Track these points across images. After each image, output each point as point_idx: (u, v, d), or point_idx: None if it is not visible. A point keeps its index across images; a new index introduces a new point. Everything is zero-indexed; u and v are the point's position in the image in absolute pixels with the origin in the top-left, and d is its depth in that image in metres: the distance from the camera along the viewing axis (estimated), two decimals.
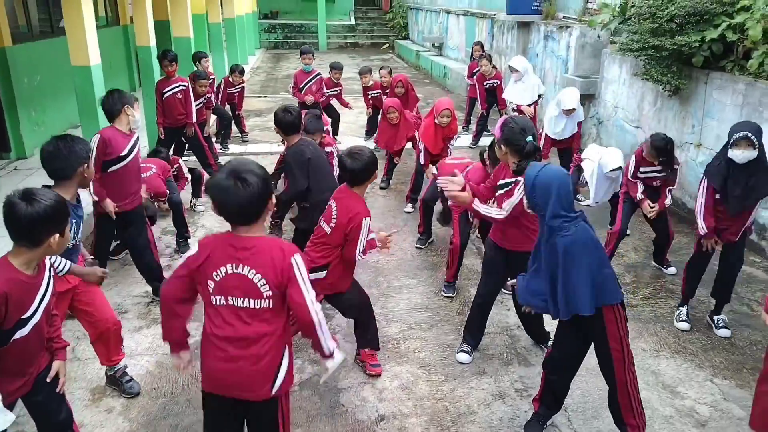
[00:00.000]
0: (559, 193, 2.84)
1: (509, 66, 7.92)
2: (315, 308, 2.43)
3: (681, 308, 4.51)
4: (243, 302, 2.37)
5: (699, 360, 4.07)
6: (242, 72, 9.30)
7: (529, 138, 3.43)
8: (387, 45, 24.07)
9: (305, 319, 2.43)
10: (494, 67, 8.96)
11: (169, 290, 2.50)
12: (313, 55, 8.82)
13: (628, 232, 5.84)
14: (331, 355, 2.57)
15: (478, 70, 9.02)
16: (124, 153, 4.27)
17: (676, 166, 4.96)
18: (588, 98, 8.41)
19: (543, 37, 10.20)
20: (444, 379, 3.85)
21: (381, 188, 7.38)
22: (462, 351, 4.04)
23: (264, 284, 2.36)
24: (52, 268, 2.61)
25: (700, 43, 5.94)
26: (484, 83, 8.95)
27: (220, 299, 2.39)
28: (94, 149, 4.08)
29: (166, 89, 6.95)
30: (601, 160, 5.19)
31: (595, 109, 8.48)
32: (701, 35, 5.93)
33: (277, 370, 2.46)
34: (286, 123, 4.49)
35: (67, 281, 3.27)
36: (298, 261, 2.40)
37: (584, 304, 2.85)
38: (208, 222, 6.31)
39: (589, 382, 3.78)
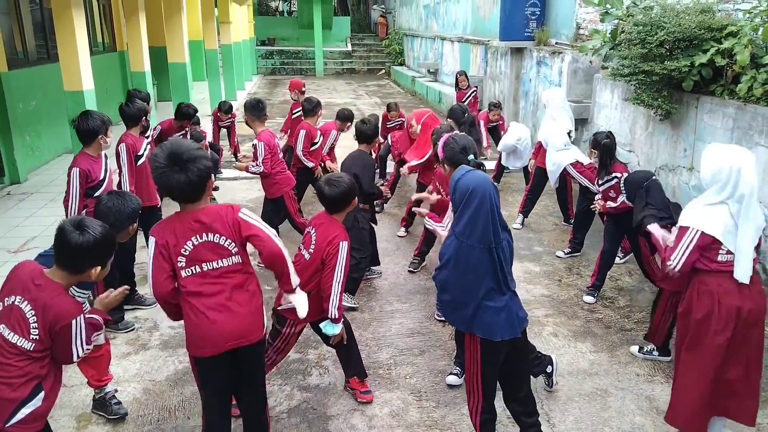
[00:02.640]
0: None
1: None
2: (278, 241, 2.79)
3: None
4: (218, 263, 2.68)
5: None
6: (229, 109, 9.09)
7: (471, 156, 3.45)
8: (383, 71, 24.33)
9: (273, 250, 2.75)
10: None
11: (162, 288, 2.68)
12: None
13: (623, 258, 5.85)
14: (294, 290, 2.97)
15: (466, 101, 8.99)
16: (102, 177, 4.35)
17: (615, 174, 4.94)
18: (581, 123, 8.46)
19: (536, 63, 10.30)
20: (435, 405, 3.79)
21: (376, 212, 7.36)
22: (452, 373, 3.99)
23: (229, 243, 2.67)
24: None
25: (689, 67, 5.99)
26: (489, 125, 8.80)
27: (194, 269, 2.66)
28: (77, 181, 4.20)
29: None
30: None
31: (588, 134, 8.53)
32: (690, 60, 5.98)
33: (261, 308, 2.84)
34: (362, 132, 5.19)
35: None
36: (245, 212, 2.74)
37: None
38: None
39: (582, 408, 3.74)
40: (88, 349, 2.61)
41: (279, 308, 3.53)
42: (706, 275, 3.07)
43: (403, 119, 8.19)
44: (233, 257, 2.70)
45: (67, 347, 2.51)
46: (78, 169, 4.21)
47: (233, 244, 2.68)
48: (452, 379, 3.97)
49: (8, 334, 2.42)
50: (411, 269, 5.76)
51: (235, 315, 2.71)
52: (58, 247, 2.51)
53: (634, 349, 4.36)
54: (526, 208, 6.89)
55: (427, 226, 3.82)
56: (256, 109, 5.55)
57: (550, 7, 10.77)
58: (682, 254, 3.05)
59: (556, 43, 10.27)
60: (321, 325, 3.51)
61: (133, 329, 4.62)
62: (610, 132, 5.11)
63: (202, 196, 2.66)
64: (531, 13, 10.67)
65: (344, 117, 6.82)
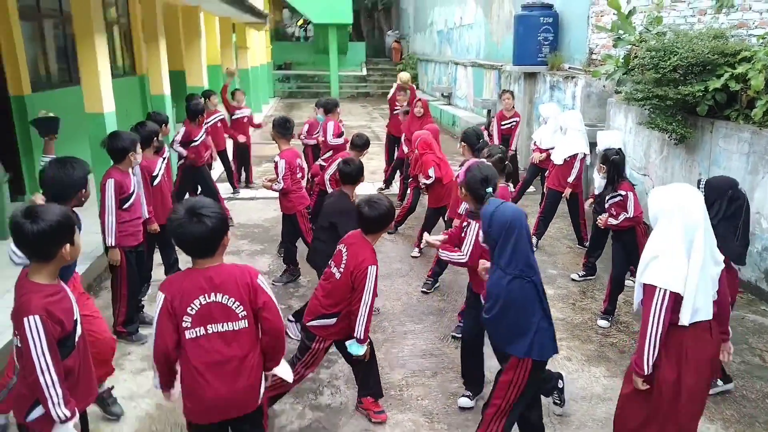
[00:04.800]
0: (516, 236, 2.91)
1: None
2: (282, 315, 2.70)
3: None
4: (223, 326, 2.55)
5: (709, 412, 3.96)
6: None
7: (489, 189, 3.49)
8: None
9: (279, 326, 2.66)
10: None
11: (162, 343, 2.56)
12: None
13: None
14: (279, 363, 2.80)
15: (506, 125, 8.85)
16: (131, 190, 4.52)
17: (621, 192, 4.96)
18: (595, 146, 8.46)
19: (549, 87, 10.36)
20: (447, 428, 3.77)
21: (389, 233, 7.40)
22: (464, 396, 3.98)
23: (238, 306, 2.55)
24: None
25: (703, 92, 6.01)
26: (502, 122, 8.77)
27: (198, 330, 2.53)
28: (112, 193, 4.34)
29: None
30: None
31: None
32: (704, 85, 6.00)
33: (260, 380, 2.70)
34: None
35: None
36: (262, 279, 2.62)
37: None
38: None
39: (585, 413, 3.70)
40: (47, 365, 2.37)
41: (308, 324, 3.58)
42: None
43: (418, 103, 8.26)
44: (240, 322, 2.57)
45: (27, 352, 2.35)
46: (113, 180, 4.37)
47: (242, 308, 2.56)
48: (464, 402, 3.95)
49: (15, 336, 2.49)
50: (424, 290, 5.76)
51: (233, 387, 2.58)
52: (18, 241, 2.46)
53: None
54: (539, 231, 6.88)
55: (441, 257, 3.84)
56: (283, 127, 5.79)
57: (563, 33, 10.86)
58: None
59: (569, 68, 10.33)
60: (347, 344, 3.53)
61: (146, 342, 4.67)
62: (620, 149, 5.13)
63: (216, 253, 2.55)
64: (544, 39, 10.76)
65: (360, 145, 6.46)
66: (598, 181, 6.18)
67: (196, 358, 2.55)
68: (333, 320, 3.55)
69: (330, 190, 6.27)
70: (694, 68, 6.11)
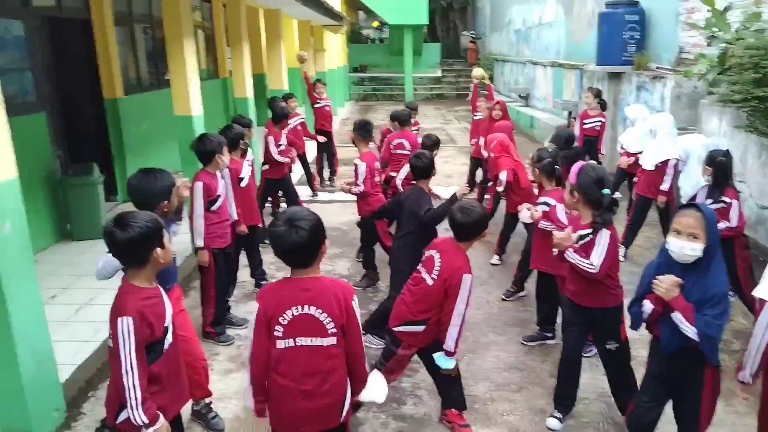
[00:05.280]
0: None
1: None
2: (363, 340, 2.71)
3: None
4: (312, 341, 2.53)
5: None
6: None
7: (606, 190, 3.32)
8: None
9: (359, 352, 2.65)
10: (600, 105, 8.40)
11: (259, 353, 2.57)
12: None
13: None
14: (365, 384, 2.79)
15: (590, 124, 8.43)
16: (219, 192, 4.61)
17: (725, 198, 4.68)
18: None
19: (635, 88, 9.94)
20: None
21: None
22: (552, 416, 3.82)
23: (329, 322, 2.52)
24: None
25: None
26: (585, 122, 8.39)
27: (288, 342, 2.54)
28: (200, 193, 4.45)
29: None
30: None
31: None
32: None
33: (345, 397, 2.66)
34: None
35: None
36: (355, 302, 2.61)
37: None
38: None
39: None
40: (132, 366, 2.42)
41: (395, 329, 3.54)
42: None
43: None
44: (329, 338, 2.54)
45: (116, 352, 2.42)
46: (201, 183, 4.47)
47: (332, 324, 2.53)
48: (554, 423, 3.79)
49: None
50: (504, 297, 5.67)
51: (316, 402, 2.58)
52: (111, 248, 2.53)
53: None
54: (627, 240, 6.59)
55: (569, 259, 3.52)
56: (363, 130, 5.82)
57: (650, 31, 10.41)
58: None
59: (657, 68, 9.88)
60: (435, 356, 3.46)
61: (233, 343, 4.76)
62: (727, 150, 4.81)
63: (313, 263, 2.55)
64: (629, 37, 10.35)
65: (429, 146, 6.39)
66: (687, 189, 5.86)
67: (283, 370, 2.55)
68: (422, 327, 3.49)
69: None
70: None
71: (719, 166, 4.69)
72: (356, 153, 5.86)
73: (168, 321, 2.59)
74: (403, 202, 4.86)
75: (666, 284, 2.81)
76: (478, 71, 9.44)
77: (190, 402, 3.75)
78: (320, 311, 2.51)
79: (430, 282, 3.45)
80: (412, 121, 7.83)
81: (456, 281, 3.34)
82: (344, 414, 2.67)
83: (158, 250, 2.54)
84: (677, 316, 2.80)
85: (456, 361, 3.47)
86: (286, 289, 2.57)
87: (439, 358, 3.44)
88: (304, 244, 2.48)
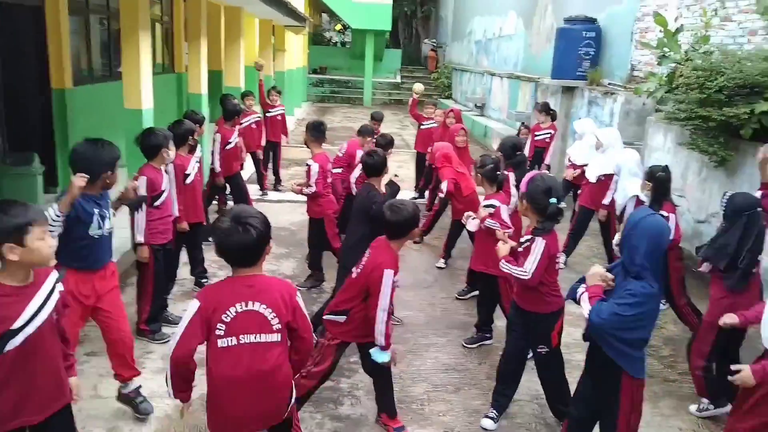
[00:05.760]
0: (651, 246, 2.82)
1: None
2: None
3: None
4: (256, 338, 2.49)
5: None
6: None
7: (553, 200, 3.40)
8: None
9: (309, 348, 2.73)
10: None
11: (184, 351, 2.49)
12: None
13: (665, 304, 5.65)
14: None
15: (541, 136, 8.73)
16: (163, 188, 4.54)
17: (662, 213, 4.80)
18: None
19: (587, 103, 10.20)
20: None
21: (415, 242, 7.34)
22: (487, 416, 3.87)
23: (274, 317, 2.51)
24: (57, 284, 2.58)
25: (749, 115, 5.83)
26: (536, 133, 8.64)
27: (231, 340, 2.47)
28: (143, 190, 4.35)
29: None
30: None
31: None
32: (751, 107, 5.82)
33: (290, 394, 2.66)
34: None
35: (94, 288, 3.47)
36: (299, 298, 2.62)
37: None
38: None
39: None
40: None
41: (323, 317, 3.57)
42: None
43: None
44: (273, 335, 2.51)
45: None
46: (145, 177, 4.39)
47: (277, 320, 2.51)
48: (488, 423, 3.85)
49: None
50: (458, 296, 5.80)
51: (264, 403, 2.56)
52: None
53: (693, 408, 4.14)
54: (569, 248, 6.75)
55: (503, 269, 3.66)
56: (316, 131, 5.73)
57: (604, 48, 10.70)
58: None
59: (609, 84, 10.16)
60: (371, 351, 3.49)
61: (168, 341, 4.64)
62: (666, 166, 4.96)
63: (258, 261, 2.53)
64: (585, 53, 10.62)
65: (384, 144, 6.55)
66: (620, 200, 6.04)
67: (224, 370, 2.48)
68: (343, 318, 3.52)
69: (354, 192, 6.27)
70: (741, 90, 5.95)
71: (658, 181, 4.82)
72: (309, 154, 5.82)
73: (18, 325, 2.38)
74: (355, 199, 4.89)
75: (591, 272, 3.02)
76: (418, 86, 9.77)
77: (118, 384, 3.73)
78: (264, 306, 2.48)
79: (354, 275, 3.52)
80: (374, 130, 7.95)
81: (377, 276, 3.36)
82: (288, 410, 2.66)
83: (10, 246, 2.32)
84: (584, 297, 2.96)
85: (391, 354, 3.48)
86: (229, 287, 2.52)
87: (375, 353, 3.46)
88: (251, 242, 2.46)
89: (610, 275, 3.01)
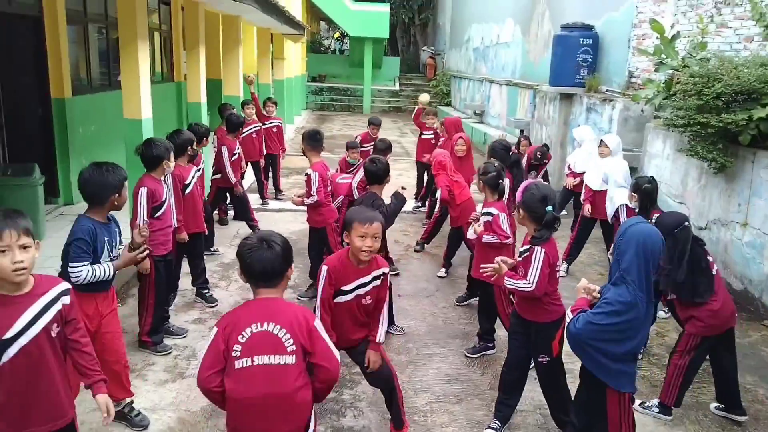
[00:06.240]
0: (637, 252, 2.83)
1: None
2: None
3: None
4: (269, 359, 2.44)
5: None
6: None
7: (549, 208, 3.42)
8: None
9: (334, 377, 2.57)
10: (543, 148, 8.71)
11: (206, 376, 2.46)
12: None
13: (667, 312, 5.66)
14: None
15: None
16: (164, 198, 4.55)
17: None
18: (631, 171, 8.30)
19: (585, 109, 10.22)
20: None
21: (416, 251, 7.34)
22: (490, 427, 3.86)
23: (288, 339, 2.45)
24: (63, 297, 2.56)
25: (747, 121, 5.85)
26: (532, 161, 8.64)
27: (246, 361, 2.43)
28: (144, 201, 4.36)
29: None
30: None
31: None
32: (748, 114, 5.84)
33: (308, 422, 2.58)
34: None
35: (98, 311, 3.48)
36: (318, 324, 2.55)
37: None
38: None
39: None
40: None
41: None
42: None
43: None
44: (288, 356, 2.45)
45: None
46: (146, 188, 4.40)
47: (291, 341, 2.45)
48: None
49: None
50: (458, 302, 5.80)
51: (278, 427, 2.49)
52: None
53: (636, 403, 4.13)
54: (571, 255, 6.75)
55: (507, 285, 3.65)
56: (313, 140, 5.71)
57: (602, 55, 10.73)
58: None
59: (607, 91, 10.18)
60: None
61: (170, 353, 4.65)
62: (652, 177, 4.98)
63: (279, 283, 2.54)
64: (582, 60, 10.64)
65: (383, 149, 6.79)
66: (611, 208, 6.07)
67: (241, 391, 2.44)
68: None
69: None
70: (739, 96, 5.96)
71: (644, 193, 4.79)
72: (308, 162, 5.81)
73: (7, 335, 2.36)
74: (356, 203, 4.89)
75: (579, 285, 3.10)
76: (424, 97, 9.73)
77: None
78: (279, 327, 2.45)
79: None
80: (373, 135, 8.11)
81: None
82: None
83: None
84: (569, 311, 3.04)
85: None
86: (245, 309, 2.54)
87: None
88: (274, 259, 2.49)
89: (593, 287, 3.08)
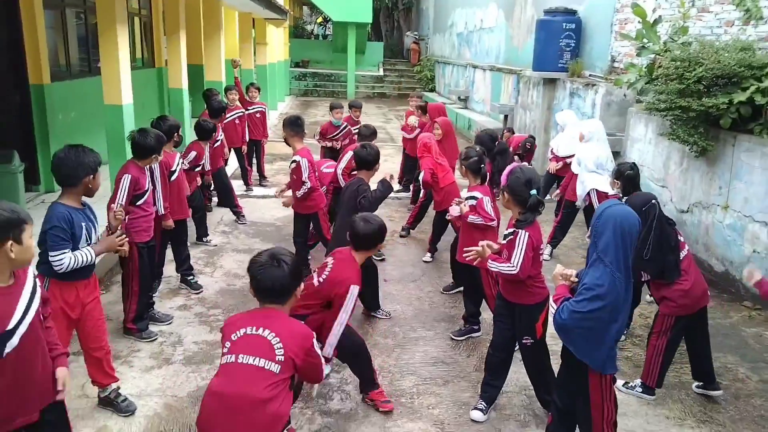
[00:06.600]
0: (615, 232, 2.87)
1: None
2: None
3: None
4: (254, 360, 2.46)
5: None
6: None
7: (533, 191, 3.44)
8: (419, 90, 24.51)
9: (318, 374, 2.73)
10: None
11: None
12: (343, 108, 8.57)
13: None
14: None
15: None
16: (146, 188, 4.50)
17: None
18: (613, 156, 8.36)
19: (569, 94, 10.26)
20: None
21: (401, 236, 7.36)
22: (476, 408, 3.90)
23: (280, 348, 2.48)
24: (37, 279, 2.60)
25: (727, 105, 5.90)
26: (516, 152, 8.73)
27: (230, 357, 2.50)
28: (126, 187, 4.31)
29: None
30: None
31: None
32: (729, 97, 5.90)
33: None
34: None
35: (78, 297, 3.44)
36: (317, 345, 2.64)
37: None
38: (227, 263, 6.29)
39: None
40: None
41: None
42: None
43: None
44: (274, 364, 2.45)
45: None
46: (130, 176, 4.34)
47: (282, 351, 2.46)
48: (477, 415, 3.87)
49: None
50: (444, 291, 5.82)
51: (235, 426, 2.41)
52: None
53: (619, 383, 4.22)
54: (555, 239, 6.80)
55: (491, 268, 3.67)
56: (296, 125, 5.65)
57: (584, 40, 10.76)
58: None
59: (590, 75, 10.23)
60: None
61: (156, 339, 4.64)
62: (634, 163, 4.99)
63: (286, 301, 2.62)
64: (565, 45, 10.66)
65: (368, 135, 6.78)
66: (582, 191, 6.14)
67: (218, 384, 2.48)
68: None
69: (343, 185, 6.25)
70: (719, 80, 6.02)
71: (627, 179, 4.79)
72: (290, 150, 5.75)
73: (12, 324, 2.37)
74: (344, 191, 4.89)
75: (554, 273, 3.16)
76: (413, 120, 9.23)
77: (96, 390, 3.73)
78: (273, 335, 2.49)
79: (316, 283, 3.55)
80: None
81: (342, 291, 3.43)
82: None
83: (12, 244, 2.34)
84: (551, 301, 3.10)
85: (330, 368, 3.68)
86: (248, 314, 2.65)
87: None
88: (282, 277, 2.55)
89: (569, 271, 3.12)
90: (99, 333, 3.60)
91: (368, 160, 4.86)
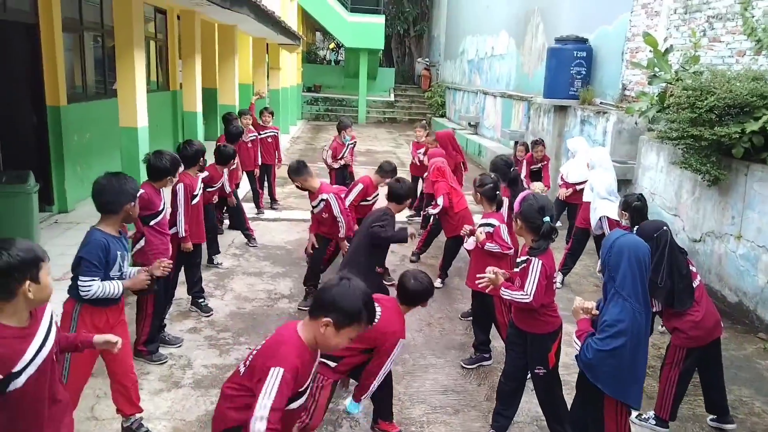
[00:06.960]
0: (630, 263, 2.86)
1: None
2: (261, 413, 2.28)
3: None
4: (241, 365, 2.59)
5: None
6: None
7: (546, 218, 3.44)
8: (423, 122, 24.66)
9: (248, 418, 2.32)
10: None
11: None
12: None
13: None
14: None
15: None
16: (160, 208, 4.52)
17: None
18: (625, 183, 8.36)
19: (579, 122, 10.28)
20: None
21: (411, 261, 7.34)
22: None
23: (251, 357, 2.53)
24: (53, 318, 2.51)
25: (740, 134, 5.90)
26: (532, 166, 8.75)
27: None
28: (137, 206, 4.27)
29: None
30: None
31: None
32: (741, 127, 5.89)
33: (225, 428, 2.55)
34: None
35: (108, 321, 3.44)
36: (275, 372, 2.33)
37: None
38: (237, 286, 6.29)
39: None
40: None
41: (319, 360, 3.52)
42: None
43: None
44: (242, 367, 2.55)
45: None
46: (142, 191, 4.33)
47: (252, 358, 2.52)
48: None
49: None
50: (462, 317, 5.79)
51: (215, 412, 2.65)
52: None
53: (633, 415, 4.12)
54: (566, 267, 6.77)
55: (503, 296, 3.66)
56: (302, 169, 5.57)
57: (596, 68, 10.82)
58: None
59: (601, 103, 10.26)
60: (347, 402, 3.64)
61: (165, 362, 4.62)
62: (641, 195, 4.99)
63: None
64: (576, 73, 10.71)
65: (389, 171, 6.19)
66: (594, 218, 6.11)
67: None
68: (334, 364, 3.47)
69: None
70: (731, 109, 6.02)
71: (635, 210, 4.78)
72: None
73: (20, 366, 2.28)
74: (368, 216, 5.00)
75: (573, 308, 3.14)
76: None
77: (120, 418, 3.67)
78: (257, 350, 2.55)
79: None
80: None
81: (391, 343, 3.40)
82: None
83: (29, 284, 2.27)
84: (574, 335, 3.07)
85: (361, 408, 3.68)
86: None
87: (350, 404, 3.64)
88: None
89: (589, 304, 3.10)
90: (125, 357, 3.53)
91: (400, 194, 4.94)
